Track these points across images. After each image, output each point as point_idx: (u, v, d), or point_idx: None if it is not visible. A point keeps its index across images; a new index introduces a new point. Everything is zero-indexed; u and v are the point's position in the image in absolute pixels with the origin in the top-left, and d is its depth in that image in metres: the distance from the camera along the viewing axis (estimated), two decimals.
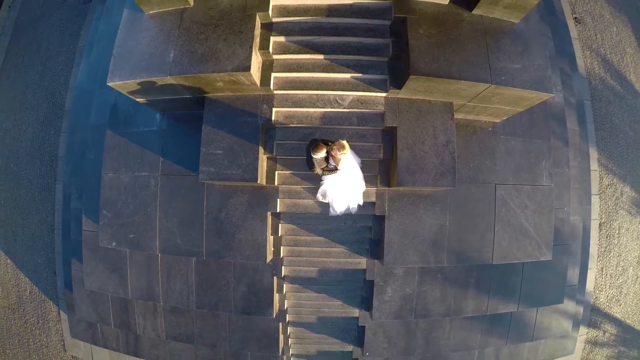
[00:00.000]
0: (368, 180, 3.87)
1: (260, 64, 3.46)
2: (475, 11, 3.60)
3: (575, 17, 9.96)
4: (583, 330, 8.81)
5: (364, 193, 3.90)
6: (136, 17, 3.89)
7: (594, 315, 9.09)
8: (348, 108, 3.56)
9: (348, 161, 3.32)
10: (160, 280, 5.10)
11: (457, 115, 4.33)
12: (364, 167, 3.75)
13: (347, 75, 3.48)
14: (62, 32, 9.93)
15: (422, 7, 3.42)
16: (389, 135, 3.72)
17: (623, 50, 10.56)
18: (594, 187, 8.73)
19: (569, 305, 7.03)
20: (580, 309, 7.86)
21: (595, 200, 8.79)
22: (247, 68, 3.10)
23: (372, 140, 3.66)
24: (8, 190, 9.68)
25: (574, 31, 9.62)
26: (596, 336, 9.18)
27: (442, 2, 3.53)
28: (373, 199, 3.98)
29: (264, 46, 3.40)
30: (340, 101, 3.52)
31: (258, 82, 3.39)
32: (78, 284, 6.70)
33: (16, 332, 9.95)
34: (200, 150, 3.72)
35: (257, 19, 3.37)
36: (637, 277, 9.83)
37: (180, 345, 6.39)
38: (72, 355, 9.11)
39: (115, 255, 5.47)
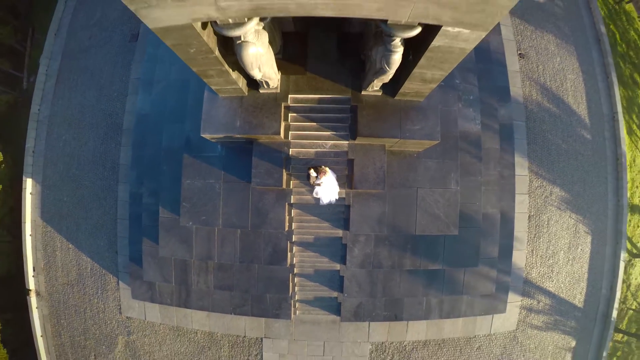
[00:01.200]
0: (340, 186, 8.40)
1: (284, 127, 8.00)
2: (396, 97, 8.07)
3: (520, 53, 14.47)
4: (516, 297, 13.31)
5: (338, 193, 8.40)
6: (214, 97, 8.35)
7: (527, 287, 13.64)
8: (329, 149, 8.11)
9: (329, 177, 7.82)
10: (216, 246, 9.68)
11: (393, 148, 8.85)
12: (338, 179, 8.26)
13: (328, 132, 8.02)
14: (114, 64, 14.42)
15: (366, 99, 7.93)
16: (351, 163, 8.28)
17: (564, 76, 15.12)
18: (522, 188, 13.22)
19: (490, 272, 11.44)
20: (505, 278, 12.24)
21: (524, 198, 13.30)
22: (278, 133, 7.64)
23: (342, 165, 8.22)
24: (70, 189, 14.29)
25: (516, 66, 14.11)
26: (531, 304, 13.77)
27: (377, 94, 8.03)
28: (343, 196, 8.54)
29: (286, 118, 7.94)
30: (325, 145, 8.06)
31: (283, 137, 7.92)
32: (148, 255, 11.20)
33: (73, 304, 14.62)
34: (250, 169, 8.23)
35: (282, 105, 7.89)
36: (569, 259, 14.45)
37: (221, 295, 10.96)
38: (126, 317, 13.76)
39: (185, 232, 10.03)
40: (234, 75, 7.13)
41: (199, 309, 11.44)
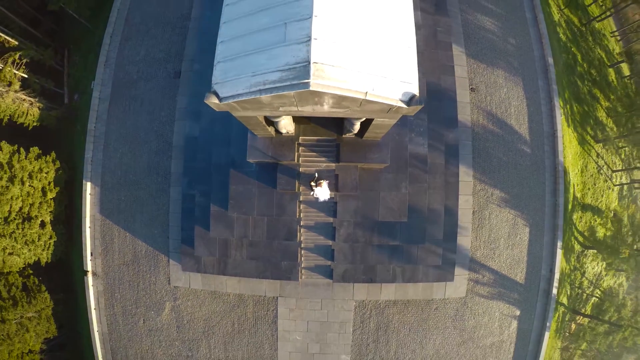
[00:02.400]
0: (331, 190, 17.28)
1: (297, 156, 16.89)
2: (363, 138, 16.88)
3: (472, 88, 23.31)
4: (464, 271, 22.22)
5: (329, 194, 17.24)
6: (254, 137, 17.25)
7: (473, 264, 22.56)
8: (323, 168, 17.01)
9: (323, 186, 16.69)
10: (251, 228, 18.59)
11: (364, 167, 17.72)
12: (329, 186, 17.10)
13: (323, 159, 16.95)
14: (162, 95, 23.23)
15: (345, 139, 16.86)
16: (337, 176, 17.22)
17: (509, 103, 23.96)
18: (467, 190, 22.03)
19: (437, 249, 20.31)
20: (451, 255, 21.06)
21: (468, 198, 22.15)
22: (293, 159, 16.57)
23: (331, 178, 17.13)
24: (128, 190, 23.18)
25: (467, 98, 22.90)
26: (477, 277, 22.64)
27: (352, 137, 16.92)
28: (333, 196, 17.46)
29: (298, 150, 16.86)
30: (321, 166, 16.94)
31: (296, 161, 16.86)
32: (199, 237, 20.21)
33: (128, 280, 23.52)
34: (275, 179, 17.06)
35: (296, 142, 16.78)
36: (508, 245, 23.32)
37: (250, 264, 19.98)
38: (174, 286, 22.67)
39: (229, 220, 19.00)
40: (269, 129, 15.95)
41: (234, 275, 20.33)
